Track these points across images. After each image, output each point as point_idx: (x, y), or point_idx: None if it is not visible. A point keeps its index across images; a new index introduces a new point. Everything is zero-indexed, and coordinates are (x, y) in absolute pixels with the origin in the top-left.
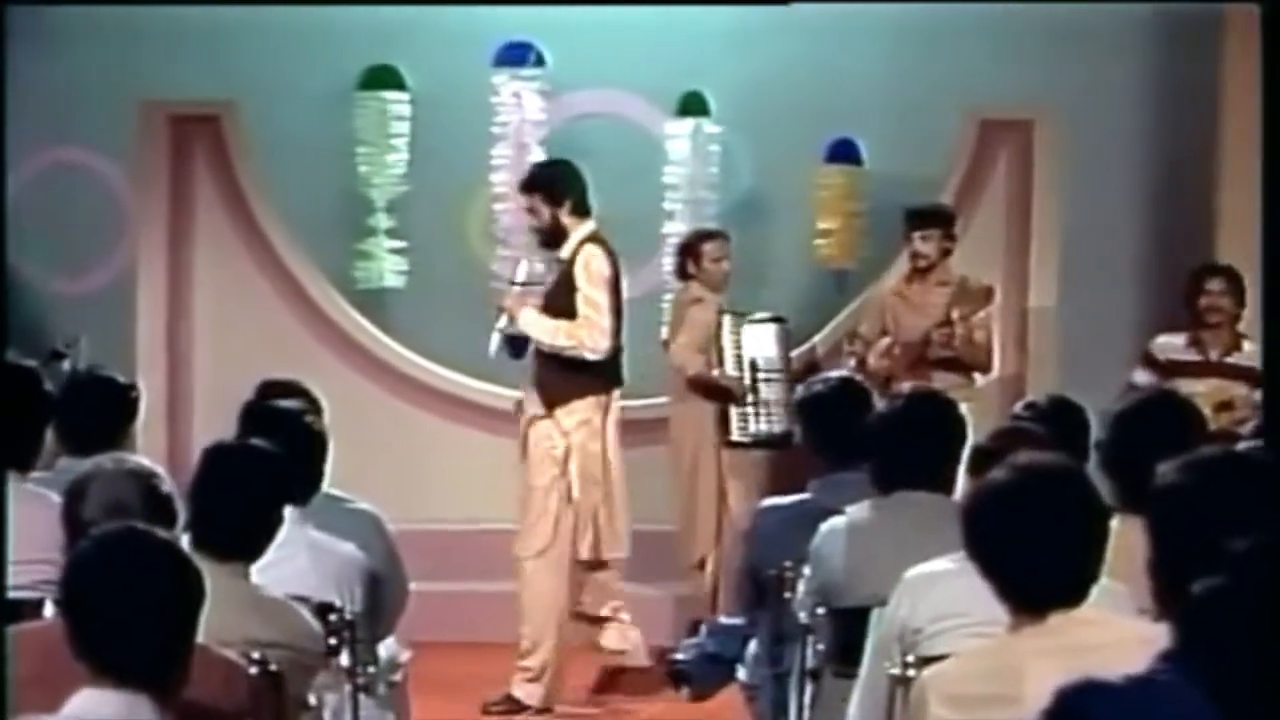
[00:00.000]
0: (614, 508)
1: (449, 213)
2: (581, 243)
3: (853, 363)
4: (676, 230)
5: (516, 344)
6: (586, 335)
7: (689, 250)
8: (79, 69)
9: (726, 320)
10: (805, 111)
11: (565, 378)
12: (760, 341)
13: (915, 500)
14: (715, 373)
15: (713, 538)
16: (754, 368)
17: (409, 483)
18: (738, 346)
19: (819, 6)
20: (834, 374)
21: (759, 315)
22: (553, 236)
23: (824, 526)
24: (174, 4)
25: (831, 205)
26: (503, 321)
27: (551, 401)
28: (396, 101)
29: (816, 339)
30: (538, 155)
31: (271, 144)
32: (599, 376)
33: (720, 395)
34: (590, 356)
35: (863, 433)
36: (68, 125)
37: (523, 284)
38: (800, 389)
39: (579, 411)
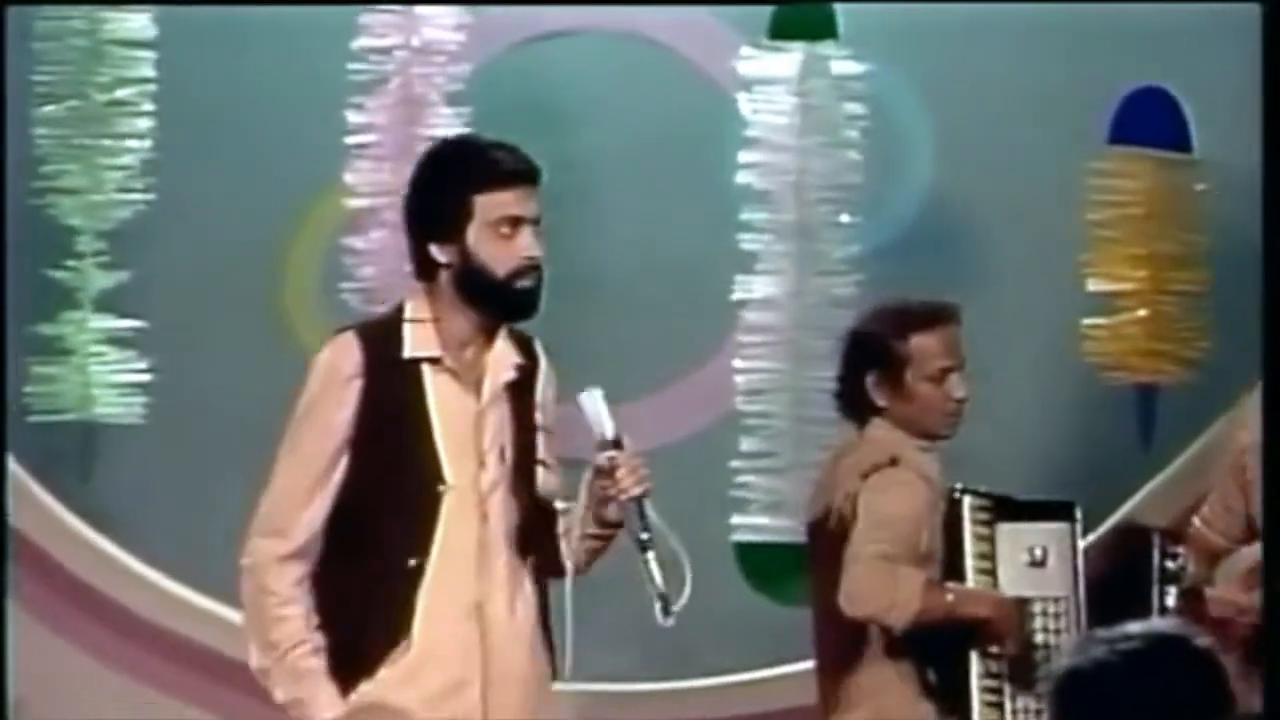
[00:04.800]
0: None
1: (243, 253)
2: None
3: (1180, 596)
4: (776, 278)
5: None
6: None
7: (869, 352)
8: None
9: (969, 506)
10: (1041, 27)
11: None
12: (1032, 548)
13: None
14: (951, 596)
15: None
16: (1022, 602)
17: None
18: (988, 559)
19: None
20: (1151, 626)
21: (1020, 498)
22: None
23: None
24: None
25: (1124, 236)
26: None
27: None
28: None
29: (1102, 529)
30: (446, 120)
31: None
32: None
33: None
34: None
35: None
36: None
37: (614, 443)
38: (1083, 652)
39: None
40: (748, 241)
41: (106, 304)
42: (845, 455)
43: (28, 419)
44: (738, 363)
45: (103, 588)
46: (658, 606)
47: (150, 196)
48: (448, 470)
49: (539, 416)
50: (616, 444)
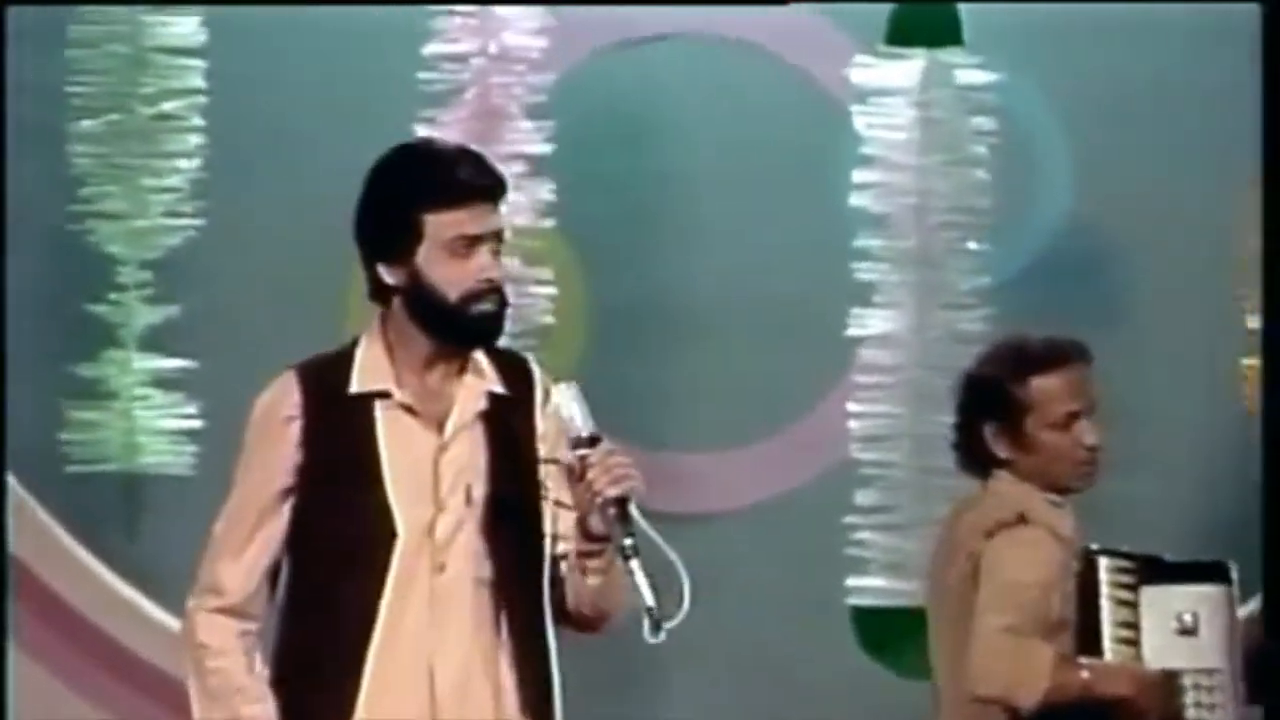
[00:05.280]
0: None
1: (304, 285)
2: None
3: None
4: (894, 312)
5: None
6: None
7: (985, 398)
8: None
9: (1107, 568)
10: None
11: None
12: (1181, 614)
13: None
14: (1086, 673)
15: None
16: (1170, 676)
17: None
18: (1129, 627)
19: None
20: None
21: (1167, 558)
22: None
23: None
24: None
25: None
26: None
27: None
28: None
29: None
30: (526, 135)
31: None
32: None
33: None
34: None
35: None
36: None
37: (589, 441)
38: None
39: None
40: (863, 271)
41: (152, 342)
42: (968, 510)
43: (66, 469)
44: (852, 406)
45: (149, 657)
46: (646, 622)
47: (200, 221)
48: (398, 516)
49: (540, 449)
50: (593, 442)
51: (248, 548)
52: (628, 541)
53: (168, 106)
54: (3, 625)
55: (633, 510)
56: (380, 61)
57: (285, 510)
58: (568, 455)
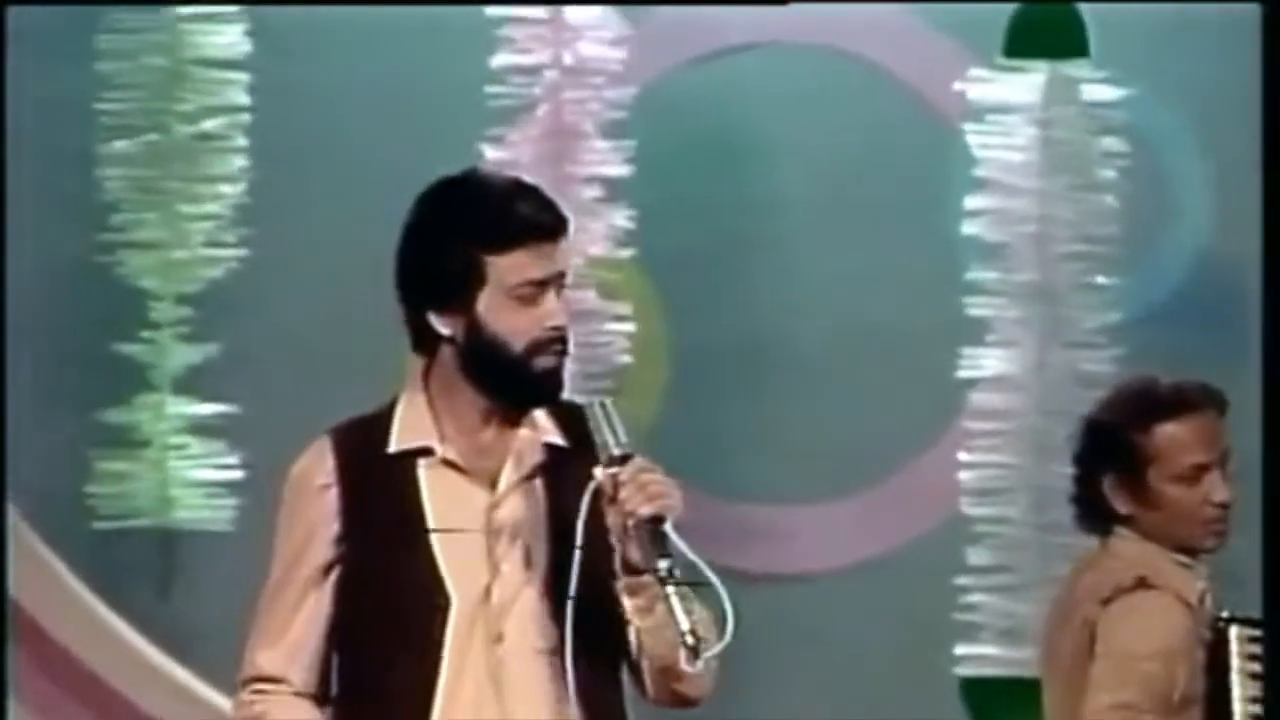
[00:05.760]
0: None
1: (356, 323)
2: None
3: None
4: (1012, 351)
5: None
6: None
7: (1105, 447)
8: None
9: (1239, 638)
10: None
11: None
12: None
13: None
14: None
15: None
16: None
17: None
18: (1265, 704)
19: None
20: None
21: None
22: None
23: None
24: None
25: None
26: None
27: None
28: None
29: None
30: (603, 155)
31: None
32: None
33: None
34: None
35: None
36: None
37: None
38: None
39: None
40: (976, 306)
41: (189, 385)
42: (1087, 572)
43: (93, 525)
44: (964, 455)
45: None
46: (682, 652)
47: (243, 251)
48: (449, 583)
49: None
50: (624, 461)
51: (288, 631)
52: (662, 564)
53: (208, 125)
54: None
55: (669, 531)
56: (443, 74)
57: (328, 587)
58: (600, 476)
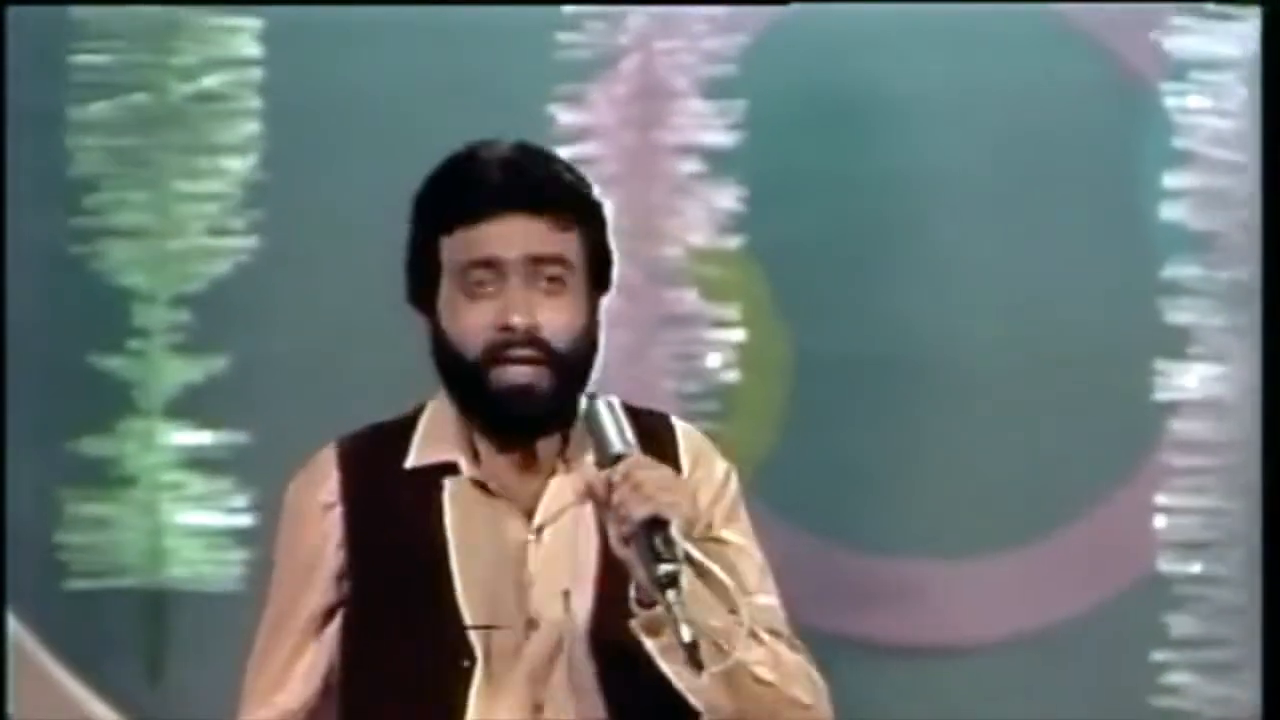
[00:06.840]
0: None
1: (389, 332)
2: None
3: None
4: (1220, 368)
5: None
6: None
7: None
8: None
9: None
10: None
11: None
12: None
13: None
14: None
15: None
16: None
17: None
18: None
19: None
20: None
21: None
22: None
23: None
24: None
25: None
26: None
27: None
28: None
29: None
30: (703, 120)
31: None
32: None
33: None
34: None
35: None
36: None
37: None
38: None
39: None
40: (1176, 310)
41: (186, 408)
42: None
43: (65, 585)
44: (1162, 498)
45: None
46: (684, 661)
47: (253, 242)
48: (474, 637)
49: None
50: (619, 460)
51: (283, 687)
52: (663, 569)
53: (210, 82)
54: None
55: (674, 534)
56: (506, 16)
57: (329, 636)
58: (595, 476)
